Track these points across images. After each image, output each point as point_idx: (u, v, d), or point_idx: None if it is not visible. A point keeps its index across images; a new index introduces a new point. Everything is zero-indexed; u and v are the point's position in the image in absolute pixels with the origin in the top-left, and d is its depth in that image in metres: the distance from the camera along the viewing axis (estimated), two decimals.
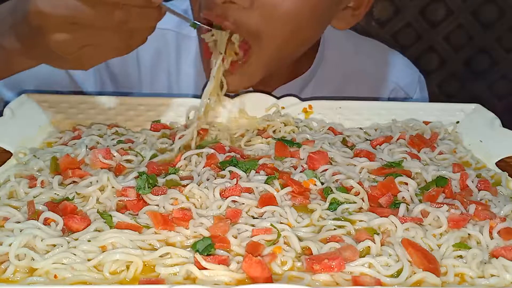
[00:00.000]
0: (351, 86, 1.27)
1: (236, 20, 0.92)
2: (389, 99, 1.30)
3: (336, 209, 0.76)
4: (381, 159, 0.92)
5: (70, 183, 0.80)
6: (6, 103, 0.98)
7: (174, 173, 0.84)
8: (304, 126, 1.06)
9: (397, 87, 1.30)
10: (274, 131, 1.03)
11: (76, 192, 0.77)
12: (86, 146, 0.90)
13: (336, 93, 1.25)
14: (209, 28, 0.93)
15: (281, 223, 0.71)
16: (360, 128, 1.07)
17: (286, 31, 0.95)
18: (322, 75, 1.23)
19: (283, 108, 1.09)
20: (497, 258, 0.66)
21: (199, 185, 0.78)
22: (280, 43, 0.97)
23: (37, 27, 0.69)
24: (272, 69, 1.03)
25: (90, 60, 0.76)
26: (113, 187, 0.78)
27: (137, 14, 0.70)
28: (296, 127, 1.05)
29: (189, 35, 1.20)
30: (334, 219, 0.73)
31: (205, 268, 0.62)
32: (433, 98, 1.37)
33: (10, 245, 0.64)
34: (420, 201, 0.79)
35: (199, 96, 1.03)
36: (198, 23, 0.91)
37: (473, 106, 1.09)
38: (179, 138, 0.95)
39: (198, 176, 0.83)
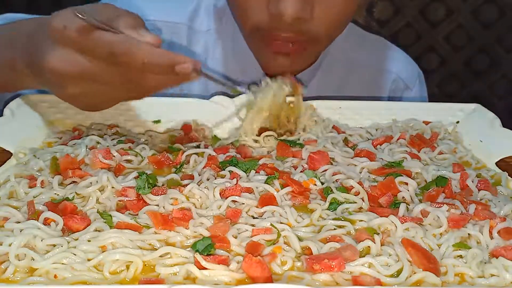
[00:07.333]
0: (354, 76, 1.30)
1: (301, 31, 0.99)
2: (389, 94, 1.33)
3: (336, 209, 0.76)
4: (382, 159, 0.92)
5: (70, 183, 0.80)
6: (6, 103, 0.98)
7: (176, 173, 0.84)
8: None
9: (397, 78, 1.34)
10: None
11: (76, 192, 0.77)
12: (86, 146, 0.89)
13: (340, 84, 1.28)
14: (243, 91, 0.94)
15: (281, 223, 0.71)
16: (361, 128, 1.07)
17: (341, 27, 1.06)
18: (327, 67, 1.27)
19: None
20: (497, 258, 0.67)
21: (199, 185, 0.78)
22: (333, 37, 1.08)
23: (51, 81, 0.71)
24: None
25: (102, 105, 0.77)
26: (113, 187, 0.78)
27: (154, 75, 0.69)
28: None
29: (200, 30, 1.22)
30: (334, 219, 0.73)
31: (205, 268, 0.62)
32: (433, 98, 1.38)
33: (10, 245, 0.64)
34: (420, 201, 0.79)
35: (206, 92, 1.12)
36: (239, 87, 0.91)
37: (473, 106, 1.09)
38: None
39: (199, 176, 0.83)
